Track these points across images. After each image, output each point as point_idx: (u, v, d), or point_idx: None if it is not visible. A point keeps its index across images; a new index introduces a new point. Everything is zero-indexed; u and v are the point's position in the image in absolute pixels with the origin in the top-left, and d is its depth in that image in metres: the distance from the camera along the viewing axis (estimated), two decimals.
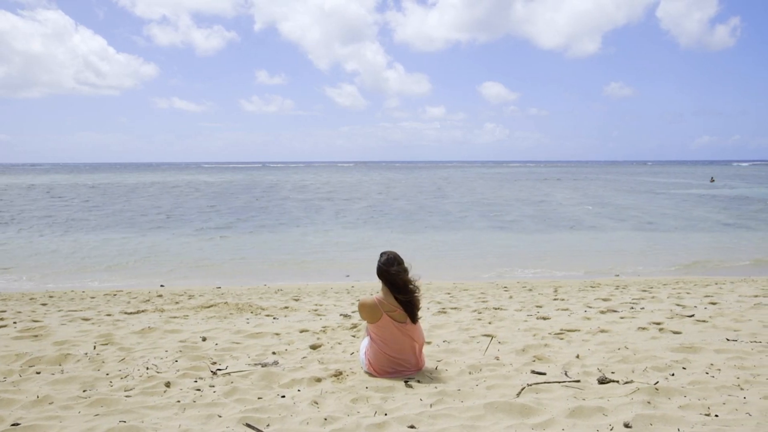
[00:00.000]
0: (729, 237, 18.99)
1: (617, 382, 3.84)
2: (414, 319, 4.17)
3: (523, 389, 3.69)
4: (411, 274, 4.23)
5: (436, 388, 3.80)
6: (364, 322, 4.51)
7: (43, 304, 8.72)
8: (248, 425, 3.02)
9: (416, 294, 4.20)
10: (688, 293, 9.07)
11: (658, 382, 3.73)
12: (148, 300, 9.33)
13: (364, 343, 4.38)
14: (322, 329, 6.03)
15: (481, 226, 22.09)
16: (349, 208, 30.43)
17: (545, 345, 5.14)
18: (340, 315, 7.14)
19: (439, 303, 8.53)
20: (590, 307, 7.64)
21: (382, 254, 4.28)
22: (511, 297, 9.21)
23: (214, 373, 4.25)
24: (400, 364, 4.14)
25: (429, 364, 4.50)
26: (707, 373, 4.05)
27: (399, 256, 4.24)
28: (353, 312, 7.27)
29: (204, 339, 5.57)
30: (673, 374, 4.06)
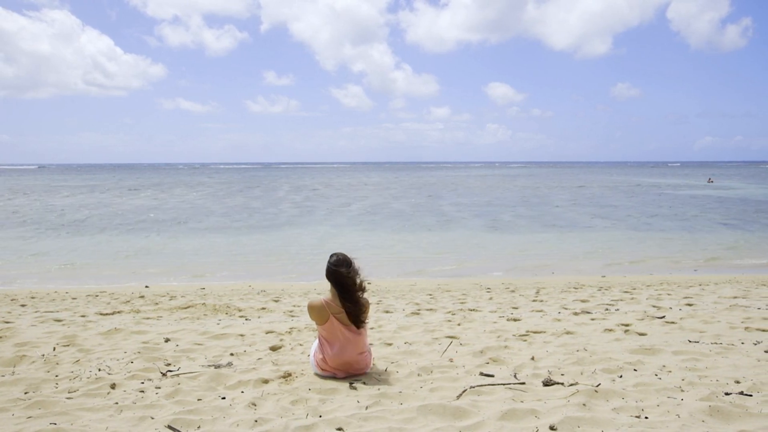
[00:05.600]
0: (723, 237, 18.91)
1: (562, 384, 3.82)
2: (358, 324, 4.14)
3: (464, 391, 3.67)
4: (360, 278, 4.20)
5: (379, 389, 3.79)
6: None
7: (22, 305, 8.75)
8: (170, 427, 3.02)
9: (361, 300, 4.15)
10: (668, 294, 9.03)
11: (600, 384, 3.70)
12: (129, 301, 9.35)
13: (314, 345, 4.37)
14: (288, 331, 6.02)
15: (475, 226, 22.06)
16: (346, 209, 30.45)
17: (505, 347, 5.12)
18: None
19: (417, 304, 8.51)
20: (565, 309, 7.61)
21: (331, 255, 4.27)
22: (491, 298, 9.18)
23: (164, 375, 4.25)
24: (345, 367, 4.13)
25: (382, 365, 4.49)
26: (656, 375, 4.02)
27: (349, 258, 4.22)
28: None
29: (167, 340, 5.57)
30: (621, 376, 4.04)
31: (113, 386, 3.93)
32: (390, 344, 5.32)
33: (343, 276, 4.11)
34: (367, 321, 4.24)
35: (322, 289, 11.01)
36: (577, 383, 3.82)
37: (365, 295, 4.23)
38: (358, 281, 4.15)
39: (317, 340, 4.32)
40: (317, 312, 4.17)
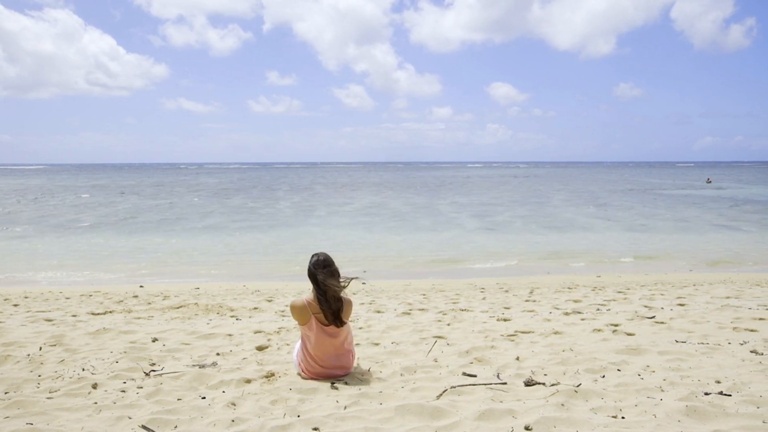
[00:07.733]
0: (719, 237, 18.89)
1: (543, 384, 3.81)
2: (338, 323, 4.14)
3: (444, 391, 3.67)
4: (342, 278, 4.19)
5: (359, 389, 3.78)
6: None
7: (15, 305, 8.75)
8: (144, 427, 3.02)
9: (342, 299, 4.15)
10: (662, 295, 9.01)
11: (580, 384, 3.69)
12: (122, 301, 9.35)
13: (297, 345, 4.37)
14: (277, 330, 6.02)
15: (471, 226, 22.05)
16: (344, 208, 30.44)
17: (492, 347, 5.11)
18: None
19: (409, 304, 8.50)
20: (557, 309, 7.60)
21: (312, 256, 4.27)
22: (484, 298, 9.17)
23: (147, 375, 4.25)
24: (327, 366, 4.13)
25: (366, 365, 4.48)
26: (639, 375, 4.01)
27: (330, 259, 4.22)
28: None
29: (154, 340, 5.56)
30: (603, 376, 4.03)
31: (95, 386, 3.92)
32: (377, 344, 5.32)
33: (322, 276, 4.11)
34: (348, 320, 4.24)
35: None
36: (558, 383, 3.81)
37: (348, 293, 4.23)
38: (338, 281, 4.14)
39: (300, 341, 4.32)
40: (298, 312, 4.18)
